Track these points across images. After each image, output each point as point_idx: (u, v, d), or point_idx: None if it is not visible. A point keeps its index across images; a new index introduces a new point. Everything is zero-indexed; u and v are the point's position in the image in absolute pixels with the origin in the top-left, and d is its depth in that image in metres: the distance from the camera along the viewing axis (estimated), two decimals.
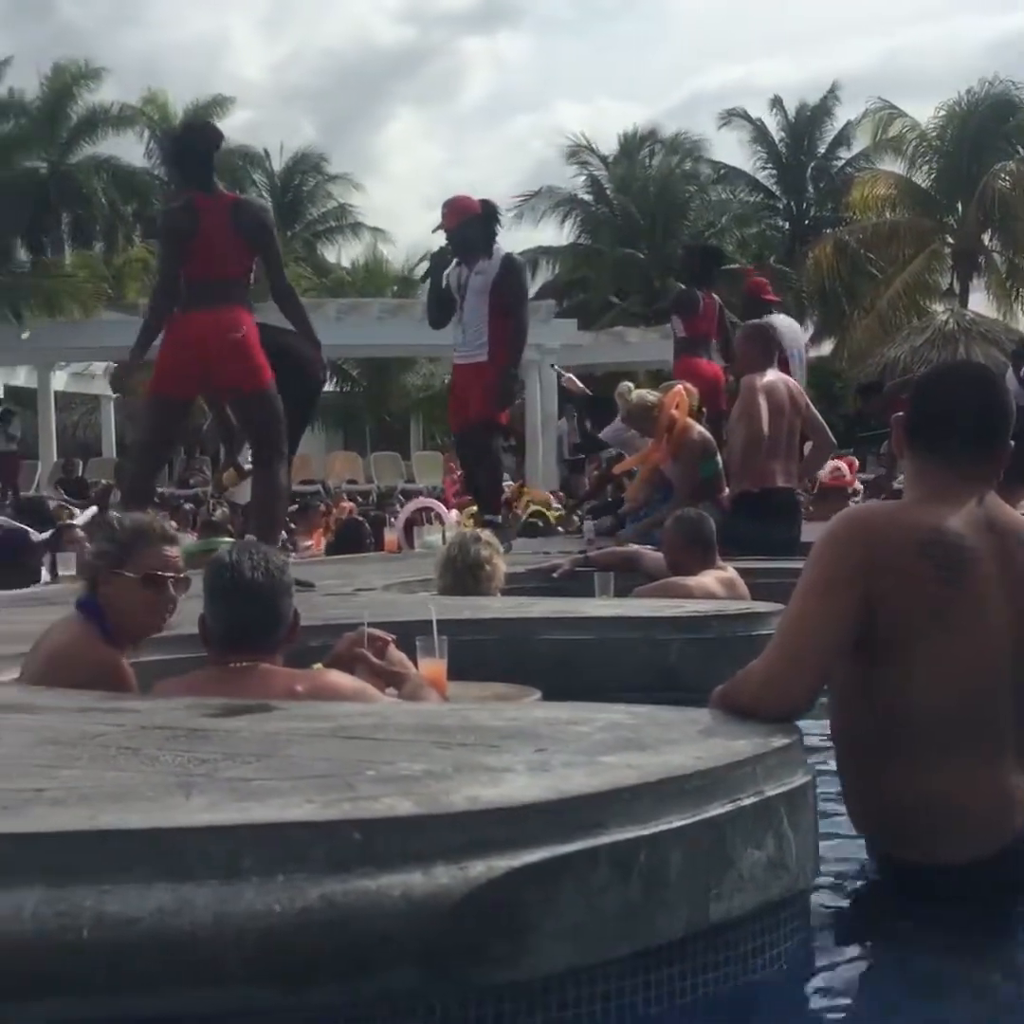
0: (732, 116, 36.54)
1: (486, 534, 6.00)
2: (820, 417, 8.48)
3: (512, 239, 37.61)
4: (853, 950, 2.60)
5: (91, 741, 2.59)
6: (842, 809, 2.94)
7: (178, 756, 2.41)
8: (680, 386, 8.97)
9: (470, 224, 8.84)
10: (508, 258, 8.91)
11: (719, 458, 8.66)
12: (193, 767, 2.32)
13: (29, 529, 9.27)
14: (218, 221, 6.74)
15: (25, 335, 24.38)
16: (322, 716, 2.82)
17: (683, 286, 11.32)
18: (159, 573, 3.66)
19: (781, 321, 10.49)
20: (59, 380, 28.18)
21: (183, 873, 1.88)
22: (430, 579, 6.03)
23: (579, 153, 37.33)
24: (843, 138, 36.06)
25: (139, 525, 3.76)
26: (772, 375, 8.19)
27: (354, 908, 1.89)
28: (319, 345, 7.26)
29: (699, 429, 8.67)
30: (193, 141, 7.25)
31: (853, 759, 2.91)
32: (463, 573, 5.56)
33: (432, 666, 3.79)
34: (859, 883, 2.89)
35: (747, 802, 2.29)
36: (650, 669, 4.59)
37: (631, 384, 9.73)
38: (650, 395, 9.00)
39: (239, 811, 2.02)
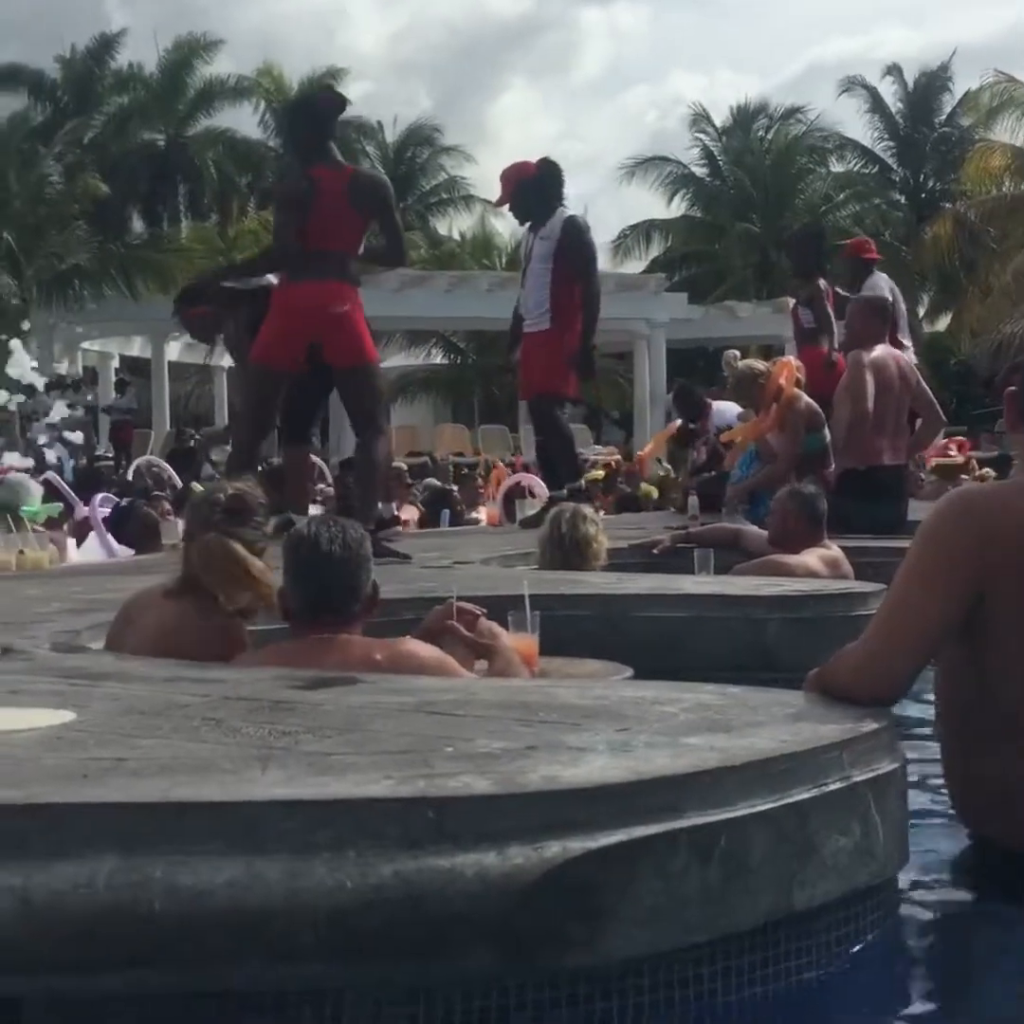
0: (852, 84, 36.05)
1: (588, 509, 5.95)
2: (930, 393, 8.32)
3: (620, 204, 37.36)
4: (943, 941, 2.53)
5: (175, 711, 2.60)
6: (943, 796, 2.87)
7: (260, 728, 2.41)
8: (790, 358, 8.84)
9: (526, 189, 8.58)
10: (570, 220, 8.53)
11: (827, 433, 8.53)
12: (273, 740, 2.31)
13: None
14: (335, 192, 6.76)
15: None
16: (406, 690, 2.80)
17: (797, 273, 11.11)
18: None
19: (885, 282, 10.30)
20: (173, 350, 28.55)
21: (255, 847, 1.87)
22: (530, 552, 6.01)
23: (699, 122, 37.01)
24: (962, 110, 35.41)
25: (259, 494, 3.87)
26: (881, 350, 8.04)
27: (427, 887, 1.87)
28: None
29: (807, 400, 8.53)
30: (314, 108, 7.31)
31: (956, 743, 2.84)
32: (569, 550, 5.51)
33: (524, 640, 3.76)
34: (955, 872, 2.83)
35: (833, 787, 2.23)
36: (746, 648, 4.52)
37: (737, 352, 9.59)
38: (758, 364, 8.87)
39: (315, 786, 2.00)
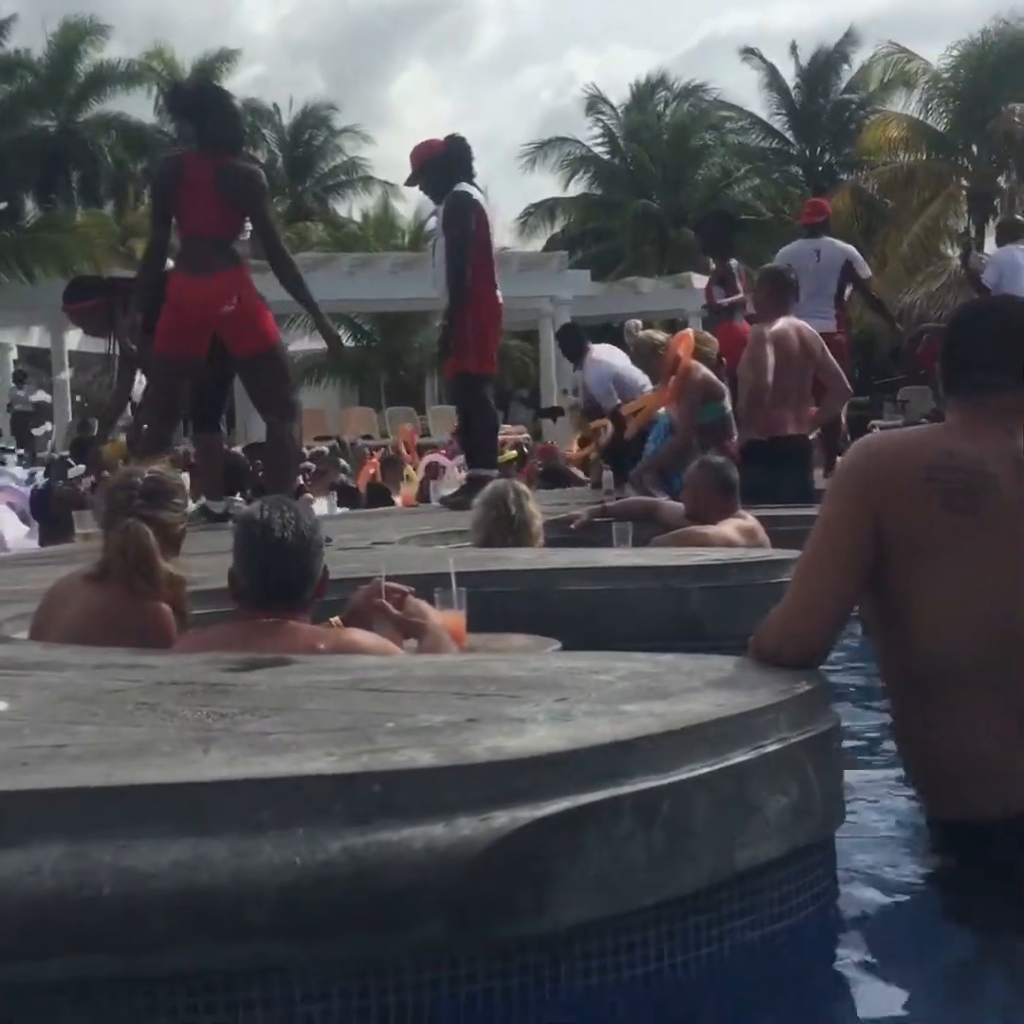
0: (748, 57, 36.24)
1: (523, 487, 5.94)
2: (836, 364, 8.40)
3: (523, 189, 37.42)
4: (882, 898, 2.57)
5: (109, 697, 2.58)
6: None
7: (196, 711, 2.39)
8: (690, 331, 8.90)
9: (433, 167, 8.55)
10: (452, 195, 8.44)
11: (727, 404, 8.59)
12: (212, 722, 2.30)
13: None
14: (203, 181, 6.73)
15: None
16: (341, 669, 2.80)
17: (708, 253, 11.21)
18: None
19: (804, 247, 10.40)
20: (72, 339, 28.12)
21: (201, 828, 1.87)
22: (447, 532, 6.01)
23: (595, 104, 37.08)
24: (858, 83, 35.73)
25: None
26: (782, 322, 8.10)
27: (376, 861, 1.87)
28: (317, 312, 7.20)
29: (705, 372, 8.59)
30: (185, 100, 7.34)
31: (892, 699, 2.86)
32: (518, 530, 5.44)
33: (451, 617, 3.76)
34: (896, 832, 2.87)
35: (770, 749, 2.26)
36: (671, 618, 4.56)
37: (640, 322, 9.63)
38: (658, 335, 8.92)
39: (258, 765, 2.00)
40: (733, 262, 10.47)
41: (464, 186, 8.48)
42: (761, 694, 2.39)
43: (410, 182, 9.13)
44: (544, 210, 37.26)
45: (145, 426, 7.33)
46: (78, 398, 25.90)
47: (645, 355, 8.86)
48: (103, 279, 9.26)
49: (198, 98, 7.39)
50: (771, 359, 7.83)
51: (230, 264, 6.77)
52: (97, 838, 1.84)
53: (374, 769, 1.95)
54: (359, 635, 3.30)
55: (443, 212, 8.46)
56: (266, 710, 2.38)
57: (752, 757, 2.22)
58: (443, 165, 8.52)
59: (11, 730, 2.28)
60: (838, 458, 9.65)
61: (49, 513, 7.87)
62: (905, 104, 32.42)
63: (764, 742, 2.25)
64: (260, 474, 10.26)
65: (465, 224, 8.38)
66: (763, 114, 36.53)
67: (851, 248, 10.98)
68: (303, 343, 31.41)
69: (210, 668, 2.86)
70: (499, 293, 8.65)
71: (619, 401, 10.28)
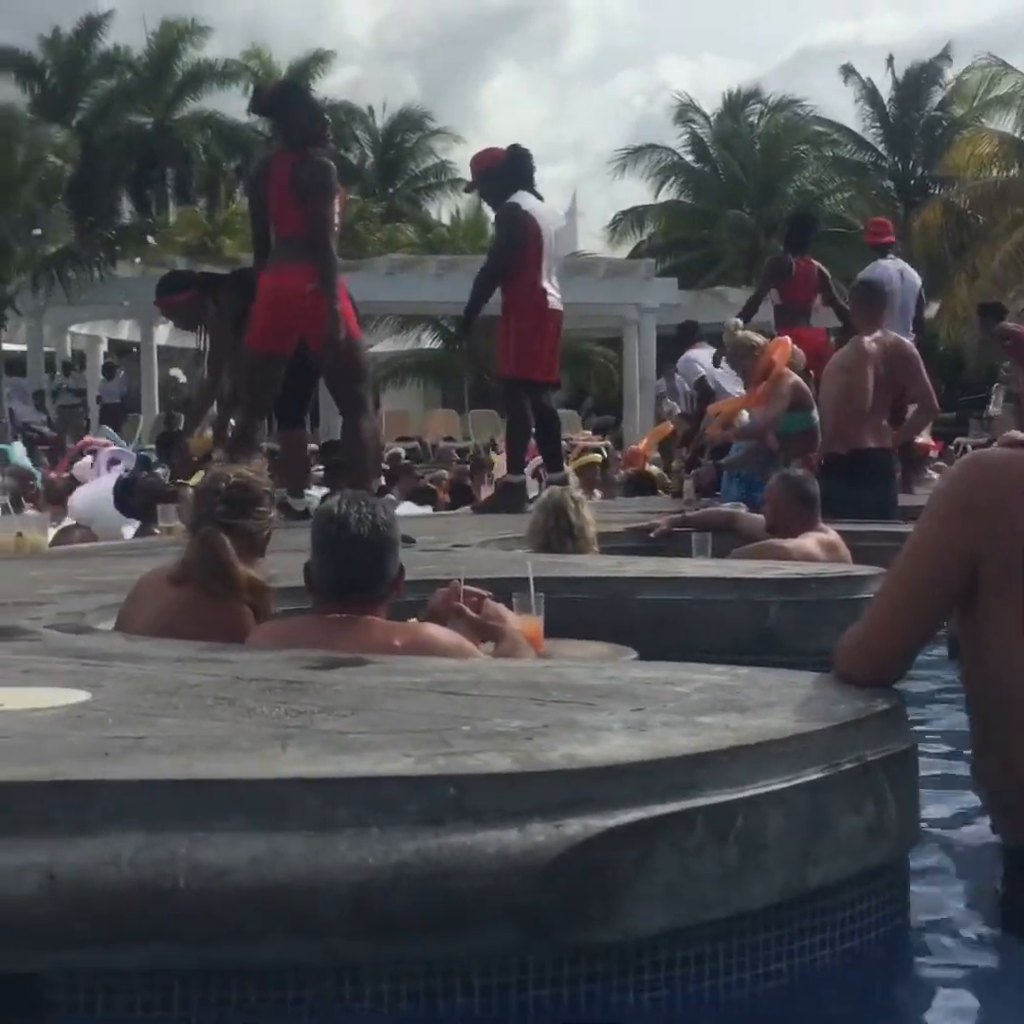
0: (844, 71, 36.01)
1: (580, 494, 5.96)
2: (927, 381, 8.31)
3: (612, 195, 37.38)
4: (955, 923, 2.55)
5: (188, 691, 2.61)
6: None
7: (274, 708, 2.42)
8: (788, 338, 8.84)
9: (492, 175, 8.60)
10: (503, 205, 8.50)
11: (815, 415, 8.53)
12: (289, 719, 2.32)
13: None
14: (283, 179, 6.80)
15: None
16: (418, 671, 2.81)
17: (791, 251, 11.17)
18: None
19: (889, 268, 10.35)
20: (162, 334, 28.45)
21: (277, 824, 1.89)
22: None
23: (685, 113, 36.96)
24: (952, 97, 35.39)
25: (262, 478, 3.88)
26: (877, 335, 8.04)
27: (449, 863, 1.89)
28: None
29: (796, 380, 8.52)
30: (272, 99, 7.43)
31: (974, 722, 2.81)
32: (576, 537, 5.51)
33: (529, 623, 3.77)
34: (970, 855, 2.84)
35: (847, 767, 2.25)
36: (747, 631, 4.54)
37: (740, 320, 9.56)
38: (757, 337, 8.85)
39: (334, 764, 2.01)
40: (802, 262, 10.45)
41: (520, 196, 8.52)
42: (839, 711, 2.38)
43: (469, 188, 9.23)
44: (633, 216, 37.16)
45: (234, 423, 7.41)
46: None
47: (740, 355, 8.80)
48: (195, 274, 9.38)
49: (278, 97, 7.47)
50: (871, 373, 7.77)
51: (308, 260, 6.81)
52: (175, 830, 1.87)
53: (450, 772, 1.97)
54: (436, 631, 3.31)
55: (494, 221, 8.57)
56: (343, 709, 2.40)
57: (828, 774, 2.21)
58: (502, 174, 8.57)
59: (94, 720, 2.32)
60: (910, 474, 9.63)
61: (131, 504, 7.96)
62: (1002, 119, 32.07)
63: (841, 760, 2.24)
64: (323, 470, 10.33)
65: (505, 238, 8.49)
66: (857, 127, 36.30)
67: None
68: (387, 344, 31.63)
69: (288, 665, 2.88)
70: (553, 299, 8.66)
71: (702, 370, 10.33)
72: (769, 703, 2.45)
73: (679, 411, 12.25)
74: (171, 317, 8.66)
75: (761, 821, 2.10)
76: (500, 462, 13.34)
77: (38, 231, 25.91)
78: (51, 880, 1.82)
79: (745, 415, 8.67)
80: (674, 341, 11.78)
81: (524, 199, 8.49)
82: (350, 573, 3.30)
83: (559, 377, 9.19)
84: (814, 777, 2.19)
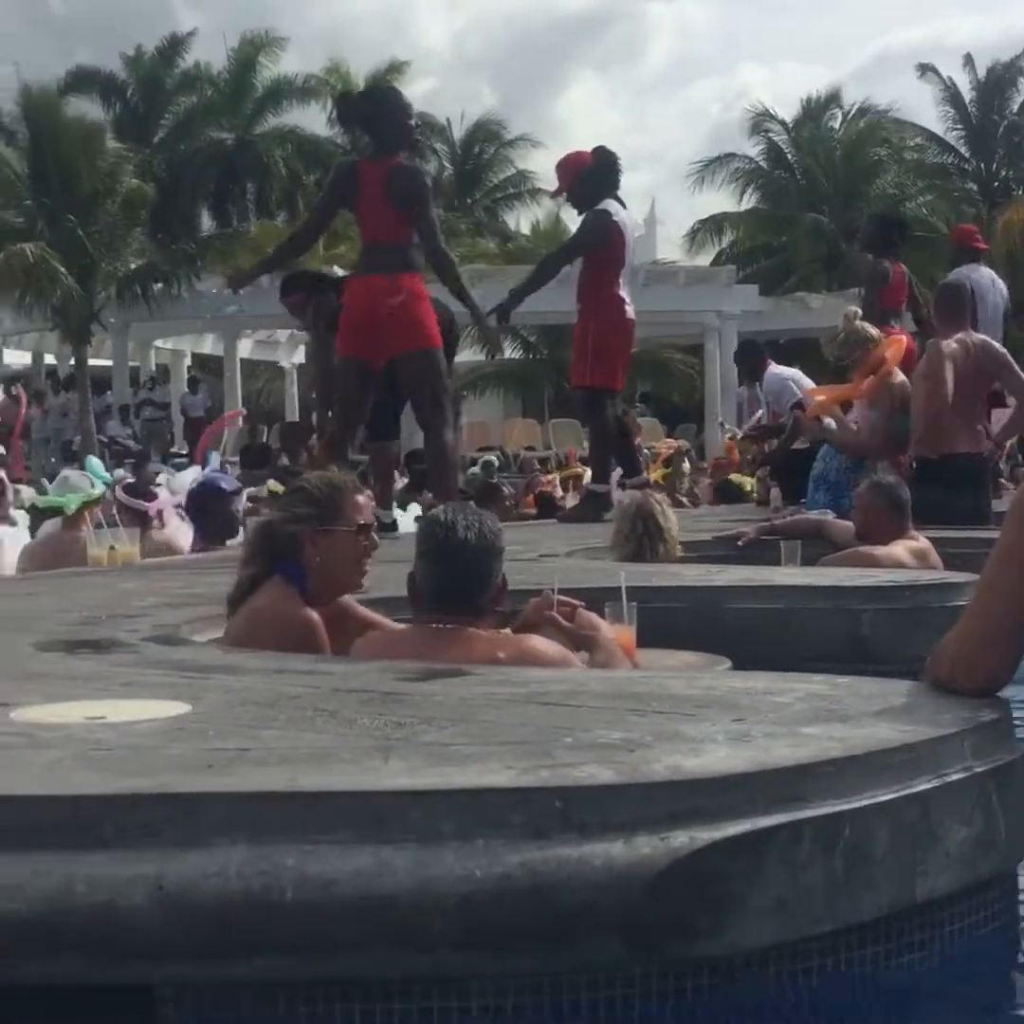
0: (923, 71, 35.71)
1: (662, 498, 5.94)
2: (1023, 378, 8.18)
3: (691, 205, 37.28)
4: None
5: (289, 702, 2.62)
6: None
7: (374, 719, 2.42)
8: (905, 337, 8.72)
9: (581, 179, 8.54)
10: (591, 210, 8.46)
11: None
12: (390, 730, 2.32)
13: (223, 477, 9.46)
14: (375, 185, 6.82)
15: (232, 309, 24.70)
16: (516, 681, 2.80)
17: (869, 256, 11.06)
18: (367, 522, 3.75)
19: (982, 274, 10.22)
20: (244, 347, 28.72)
21: (383, 836, 1.88)
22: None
23: (760, 122, 36.81)
24: None
25: (333, 480, 3.83)
26: (960, 337, 7.95)
27: (554, 876, 1.87)
28: (476, 310, 7.25)
29: (904, 380, 8.42)
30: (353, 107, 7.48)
31: None
32: (665, 542, 5.51)
33: (622, 632, 3.75)
34: None
35: (954, 778, 2.21)
36: (841, 639, 4.50)
37: (859, 310, 9.46)
38: (873, 329, 8.74)
39: (438, 776, 2.01)
40: (887, 264, 10.32)
41: (607, 203, 8.49)
42: (945, 721, 2.34)
43: (556, 193, 9.22)
44: (712, 225, 37.06)
45: (329, 430, 7.47)
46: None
47: (853, 344, 8.67)
48: (310, 275, 9.43)
49: (366, 104, 7.50)
50: (950, 375, 7.69)
51: (402, 268, 6.84)
52: (281, 842, 1.87)
53: (554, 784, 1.95)
54: (541, 643, 3.30)
55: (579, 224, 8.52)
56: (443, 721, 2.39)
57: (936, 785, 2.17)
58: (590, 178, 8.53)
59: (196, 732, 2.33)
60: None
61: (205, 516, 8.02)
62: None
63: (948, 770, 2.21)
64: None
65: (583, 241, 8.49)
66: (938, 129, 35.99)
67: None
68: (466, 354, 31.72)
69: (386, 676, 2.89)
70: (630, 309, 8.63)
71: (799, 393, 10.22)
72: (872, 713, 2.42)
73: (740, 434, 12.23)
74: (292, 314, 8.77)
75: (869, 833, 2.07)
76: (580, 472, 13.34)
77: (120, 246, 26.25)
78: (160, 891, 1.83)
79: (831, 422, 8.58)
80: (745, 368, 11.69)
81: (612, 207, 8.47)
82: (455, 579, 3.31)
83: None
84: (922, 788, 2.15)
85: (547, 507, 11.67)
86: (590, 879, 1.88)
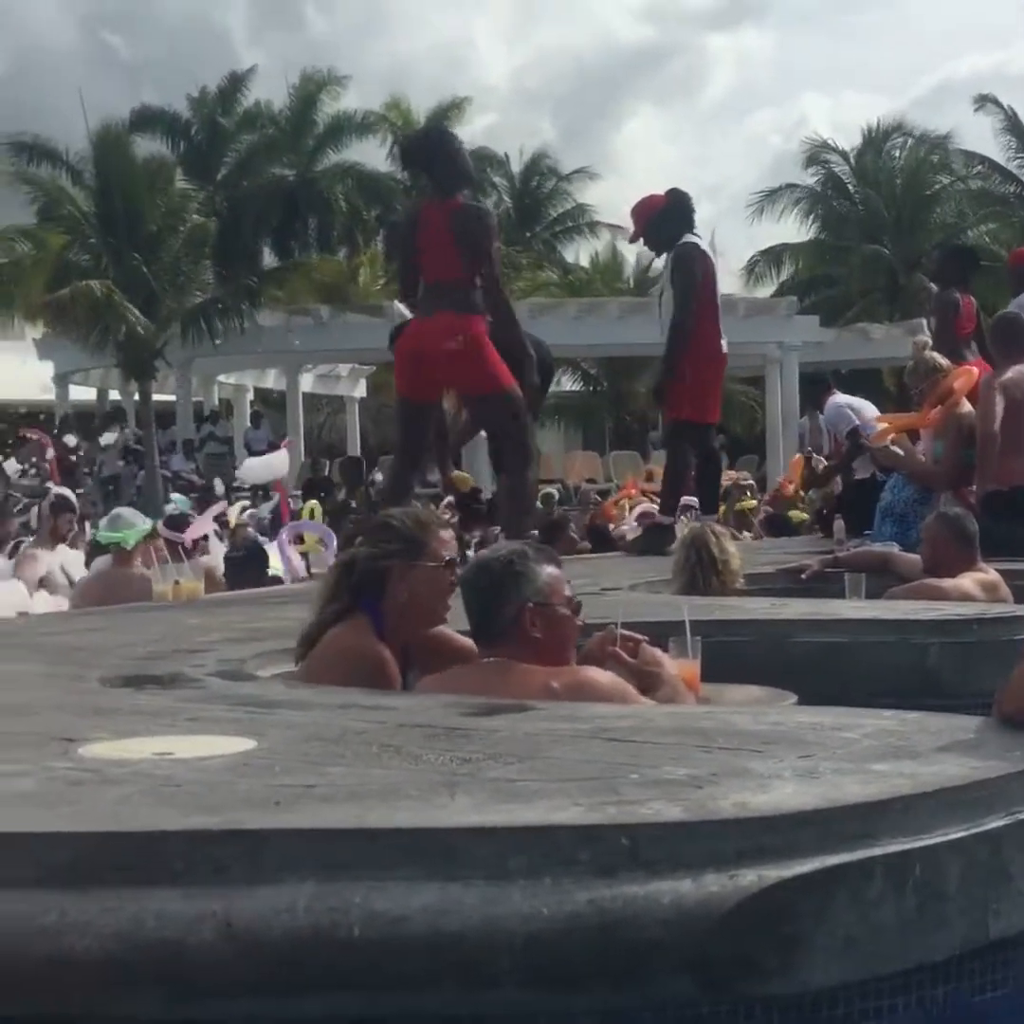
0: (985, 101, 35.53)
1: (721, 529, 5.93)
2: None
3: (752, 236, 37.28)
4: None
5: (354, 738, 2.62)
6: None
7: (439, 755, 2.42)
8: (975, 370, 8.68)
9: (655, 222, 8.55)
10: (679, 246, 8.41)
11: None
12: (456, 767, 2.32)
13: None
14: (438, 227, 6.84)
15: (297, 342, 25.04)
16: (580, 717, 2.80)
17: (936, 287, 10.98)
18: (452, 557, 3.82)
19: None
20: (306, 382, 28.91)
21: (450, 873, 1.88)
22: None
23: (817, 154, 36.74)
24: None
25: (420, 517, 3.93)
26: (1016, 369, 7.89)
27: (623, 914, 1.86)
28: (529, 355, 7.22)
29: (972, 410, 8.35)
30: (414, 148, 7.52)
31: None
32: (721, 572, 5.49)
33: (686, 667, 3.74)
34: None
35: None
36: (908, 673, 4.46)
37: (929, 339, 9.41)
38: (942, 359, 8.69)
39: (505, 812, 2.01)
40: (955, 295, 10.24)
41: (690, 238, 8.47)
42: (1015, 757, 2.32)
43: (634, 239, 9.20)
44: (771, 256, 37.01)
45: (391, 471, 7.50)
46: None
47: (922, 374, 8.62)
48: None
49: (425, 146, 7.52)
50: (1000, 408, 7.65)
51: (461, 308, 6.83)
52: (349, 879, 1.87)
53: (622, 821, 1.94)
54: (597, 674, 3.30)
55: (670, 264, 8.48)
56: (509, 757, 2.39)
57: (1007, 822, 2.15)
58: (665, 219, 8.53)
59: (262, 768, 2.34)
60: None
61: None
62: None
63: (1020, 808, 2.18)
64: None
65: (691, 277, 8.38)
66: (1000, 158, 35.76)
67: None
68: None
69: (450, 712, 2.89)
70: (724, 343, 8.62)
71: (855, 420, 10.18)
72: (941, 748, 2.40)
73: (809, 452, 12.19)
74: None
75: (940, 871, 2.04)
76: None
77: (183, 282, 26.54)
78: (228, 928, 1.83)
79: (898, 449, 8.52)
80: (809, 395, 11.71)
81: (696, 241, 8.48)
82: (468, 613, 3.47)
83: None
84: (993, 826, 2.13)
85: (600, 540, 11.62)
86: (658, 917, 1.87)
